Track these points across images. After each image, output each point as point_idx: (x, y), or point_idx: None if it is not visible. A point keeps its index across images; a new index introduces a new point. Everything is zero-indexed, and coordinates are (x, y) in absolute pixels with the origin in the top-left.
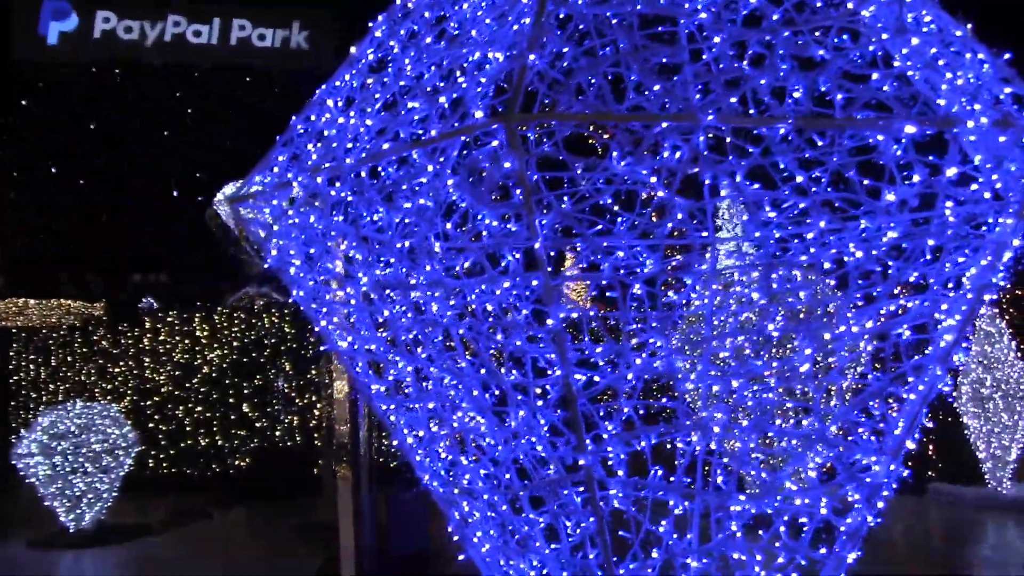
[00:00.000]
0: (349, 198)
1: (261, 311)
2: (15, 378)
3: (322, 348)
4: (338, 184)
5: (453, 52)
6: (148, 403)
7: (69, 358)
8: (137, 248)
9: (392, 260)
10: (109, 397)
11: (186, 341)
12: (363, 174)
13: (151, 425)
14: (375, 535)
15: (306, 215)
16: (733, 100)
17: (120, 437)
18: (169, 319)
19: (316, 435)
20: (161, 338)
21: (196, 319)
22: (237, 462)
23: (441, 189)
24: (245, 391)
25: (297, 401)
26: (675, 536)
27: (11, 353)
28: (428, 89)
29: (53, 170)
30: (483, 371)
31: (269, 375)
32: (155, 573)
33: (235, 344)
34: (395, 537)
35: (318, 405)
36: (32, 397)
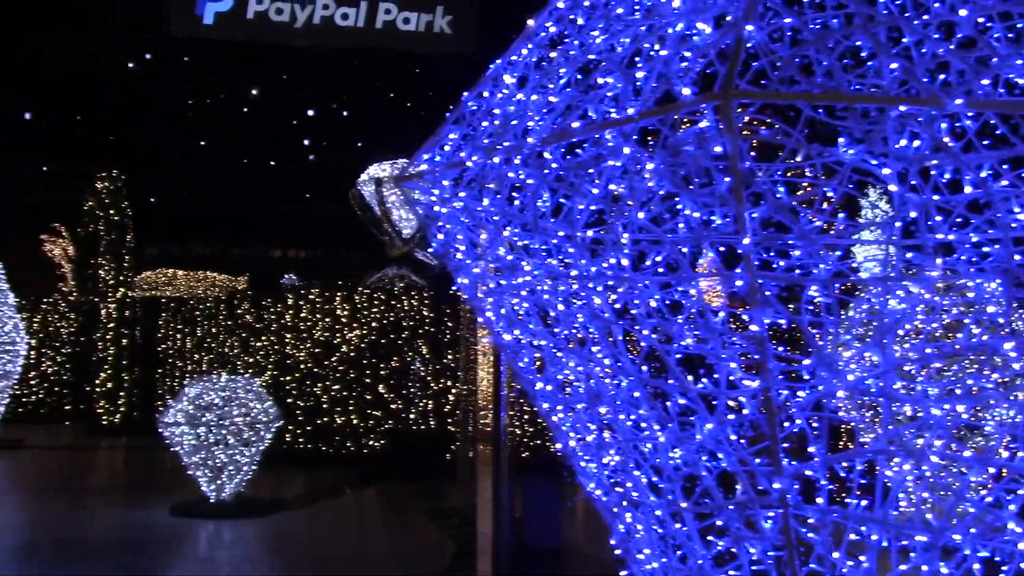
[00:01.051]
0: (529, 181)
1: (400, 293)
2: (163, 346)
3: (485, 340)
4: (516, 165)
5: (651, 23)
6: (288, 378)
7: (214, 330)
8: (281, 224)
9: (571, 250)
10: (251, 370)
11: (326, 319)
12: (547, 155)
13: (289, 401)
14: (511, 525)
15: (476, 198)
16: (985, 82)
17: (262, 412)
18: (311, 296)
19: (451, 420)
20: (303, 315)
21: (337, 298)
22: (372, 442)
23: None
24: (382, 372)
25: (433, 385)
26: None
27: (159, 322)
28: (622, 63)
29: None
30: (658, 375)
31: (406, 357)
32: (290, 548)
33: (374, 325)
34: (531, 529)
35: (453, 390)
36: (178, 366)
